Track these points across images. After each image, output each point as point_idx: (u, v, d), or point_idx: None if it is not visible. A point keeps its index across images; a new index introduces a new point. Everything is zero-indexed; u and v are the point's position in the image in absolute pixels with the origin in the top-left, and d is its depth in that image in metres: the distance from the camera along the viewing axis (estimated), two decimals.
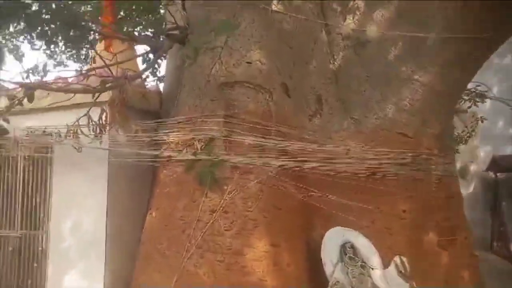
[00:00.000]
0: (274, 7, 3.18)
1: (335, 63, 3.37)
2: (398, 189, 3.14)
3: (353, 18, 3.35)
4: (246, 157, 2.63)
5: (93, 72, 3.24)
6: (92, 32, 4.24)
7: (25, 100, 2.85)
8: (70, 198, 3.56)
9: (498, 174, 9.15)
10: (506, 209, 8.97)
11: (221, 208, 2.48)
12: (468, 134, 6.69)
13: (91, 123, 3.26)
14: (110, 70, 3.06)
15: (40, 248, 3.60)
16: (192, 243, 2.42)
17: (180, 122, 2.88)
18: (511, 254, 8.51)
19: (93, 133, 3.28)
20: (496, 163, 9.22)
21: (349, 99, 3.26)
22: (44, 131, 3.59)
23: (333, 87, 3.32)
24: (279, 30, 3.20)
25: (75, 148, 3.37)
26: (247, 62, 2.96)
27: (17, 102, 2.81)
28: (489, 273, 7.65)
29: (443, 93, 3.01)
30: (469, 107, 7.36)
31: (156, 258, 2.51)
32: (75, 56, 7.36)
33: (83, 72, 3.45)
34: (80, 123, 3.28)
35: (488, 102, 11.19)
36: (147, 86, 4.35)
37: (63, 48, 7.31)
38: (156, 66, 6.09)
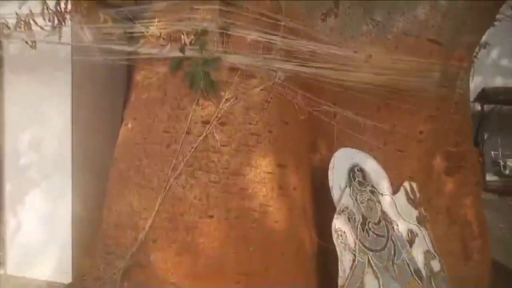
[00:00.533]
0: None
1: None
2: (418, 107, 2.72)
3: None
4: (248, 57, 2.06)
5: None
6: None
7: None
8: (27, 106, 2.96)
9: (485, 106, 8.99)
10: (486, 141, 8.97)
11: (217, 119, 1.96)
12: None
13: (47, 12, 2.59)
14: None
15: None
16: (180, 160, 1.93)
17: (163, 10, 2.22)
18: (486, 184, 8.68)
19: (50, 24, 2.60)
20: (485, 95, 8.99)
21: None
22: None
23: None
24: None
25: (28, 43, 2.69)
26: None
27: None
28: None
29: None
30: None
31: (134, 178, 2.03)
32: None
33: None
34: (34, 12, 2.59)
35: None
36: None
37: None
38: None
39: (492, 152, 9.20)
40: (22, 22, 2.66)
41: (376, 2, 2.66)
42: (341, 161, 2.55)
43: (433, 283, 2.50)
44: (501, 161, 9.15)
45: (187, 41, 2.07)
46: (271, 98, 2.07)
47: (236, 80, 2.02)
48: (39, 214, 2.95)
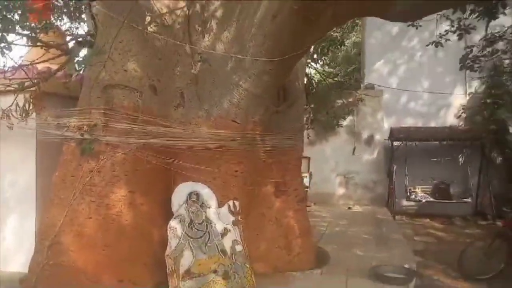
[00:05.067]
0: (149, 29, 4.51)
1: (196, 68, 4.77)
2: (232, 157, 4.69)
3: (208, 37, 4.75)
4: (117, 137, 4.07)
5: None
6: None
7: None
8: (6, 164, 4.98)
9: (394, 142, 11.02)
10: (396, 172, 10.93)
11: (96, 170, 3.94)
12: (347, 112, 8.36)
13: (18, 108, 4.61)
14: (26, 74, 4.38)
15: None
16: (77, 190, 3.90)
17: (76, 111, 4.27)
18: (395, 208, 10.58)
19: (20, 116, 4.62)
20: (393, 134, 11.08)
21: (202, 95, 4.70)
22: None
23: (193, 87, 4.74)
24: (152, 46, 4.55)
25: (9, 127, 4.70)
26: (125, 70, 4.32)
27: None
28: (372, 221, 9.76)
29: (257, 94, 4.51)
30: (350, 92, 9.04)
31: (56, 201, 3.99)
32: None
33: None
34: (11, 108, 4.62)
35: (395, 80, 13.13)
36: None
37: None
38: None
39: (403, 181, 11.15)
40: (5, 114, 4.68)
41: (207, 96, 4.69)
42: (183, 189, 4.49)
43: (233, 257, 4.37)
44: (408, 188, 11.08)
45: (86, 129, 4.08)
46: (128, 157, 4.07)
47: (108, 149, 4.03)
48: (15, 229, 4.88)
